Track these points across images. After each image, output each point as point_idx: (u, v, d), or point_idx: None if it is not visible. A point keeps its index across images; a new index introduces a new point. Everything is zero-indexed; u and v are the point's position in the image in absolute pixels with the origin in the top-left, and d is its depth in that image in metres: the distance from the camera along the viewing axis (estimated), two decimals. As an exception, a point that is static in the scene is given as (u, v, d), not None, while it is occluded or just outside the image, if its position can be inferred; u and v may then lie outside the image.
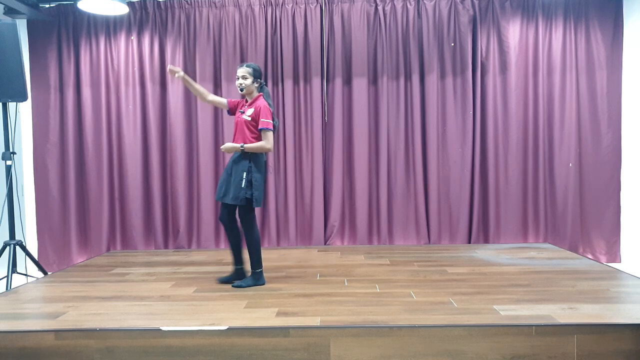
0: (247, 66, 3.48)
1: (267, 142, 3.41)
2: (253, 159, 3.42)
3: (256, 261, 3.54)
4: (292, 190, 5.00)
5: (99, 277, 3.92)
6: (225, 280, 3.63)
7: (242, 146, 3.38)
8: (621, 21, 4.86)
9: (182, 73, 3.53)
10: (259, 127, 3.40)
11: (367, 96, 4.95)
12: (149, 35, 5.01)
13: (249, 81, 3.45)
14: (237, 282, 3.52)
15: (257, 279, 3.54)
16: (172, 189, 5.05)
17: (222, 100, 3.71)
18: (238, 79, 3.46)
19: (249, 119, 3.43)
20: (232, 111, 3.64)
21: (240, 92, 3.48)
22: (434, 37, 4.91)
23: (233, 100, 3.68)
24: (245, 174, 3.38)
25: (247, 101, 3.54)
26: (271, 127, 3.42)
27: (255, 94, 3.51)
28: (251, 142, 3.42)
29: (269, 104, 3.46)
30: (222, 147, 3.46)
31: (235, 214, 3.57)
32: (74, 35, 5.03)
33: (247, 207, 3.43)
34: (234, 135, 3.51)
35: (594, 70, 4.88)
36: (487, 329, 2.57)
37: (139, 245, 5.04)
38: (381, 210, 4.98)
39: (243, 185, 3.37)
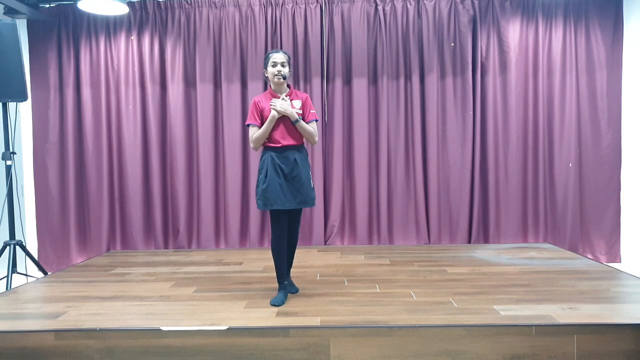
0: (284, 53, 3.08)
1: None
2: None
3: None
4: (292, 190, 4.99)
5: (99, 277, 3.92)
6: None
7: (296, 121, 3.02)
8: (621, 21, 4.86)
9: None
10: (310, 119, 3.11)
11: (367, 96, 4.95)
12: (149, 35, 5.01)
13: (286, 69, 3.04)
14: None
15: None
16: (172, 189, 5.05)
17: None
18: (276, 65, 3.02)
19: (300, 112, 3.10)
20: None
21: (281, 80, 3.03)
22: (434, 37, 4.91)
23: (255, 111, 3.08)
24: (310, 172, 3.18)
25: (274, 94, 3.09)
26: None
27: (285, 86, 3.12)
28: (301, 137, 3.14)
29: None
30: (281, 106, 2.97)
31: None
32: (74, 35, 5.03)
33: None
34: (279, 133, 3.03)
35: (594, 70, 4.88)
36: (487, 329, 2.57)
37: (139, 245, 5.04)
38: (381, 210, 4.98)
39: (312, 185, 3.16)
